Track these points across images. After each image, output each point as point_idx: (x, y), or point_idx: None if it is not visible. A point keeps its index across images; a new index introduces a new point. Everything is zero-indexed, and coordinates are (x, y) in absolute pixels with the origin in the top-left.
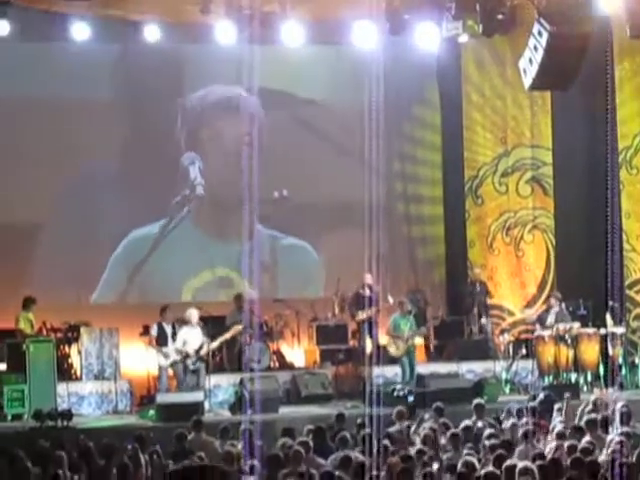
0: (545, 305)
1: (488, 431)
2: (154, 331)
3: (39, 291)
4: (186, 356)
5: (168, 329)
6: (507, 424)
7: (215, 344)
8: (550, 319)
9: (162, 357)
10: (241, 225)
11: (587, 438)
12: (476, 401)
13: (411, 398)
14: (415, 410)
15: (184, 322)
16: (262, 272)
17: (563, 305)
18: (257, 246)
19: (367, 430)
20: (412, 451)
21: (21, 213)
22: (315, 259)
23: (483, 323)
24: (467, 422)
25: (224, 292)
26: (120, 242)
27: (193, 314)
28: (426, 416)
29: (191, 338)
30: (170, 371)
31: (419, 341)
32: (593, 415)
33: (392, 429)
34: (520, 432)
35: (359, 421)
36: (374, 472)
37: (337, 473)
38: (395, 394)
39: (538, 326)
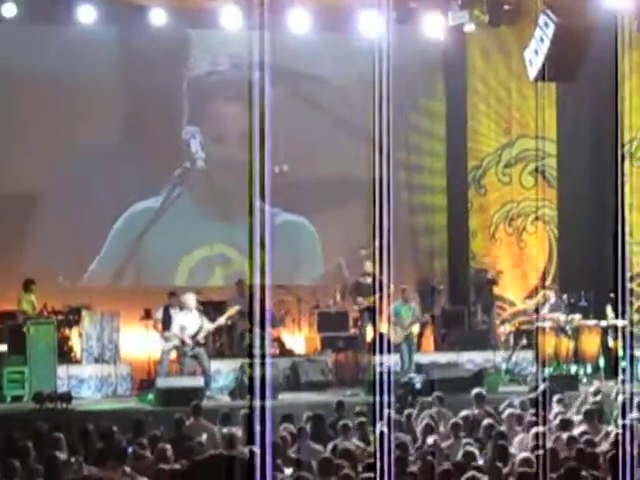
0: (542, 297)
1: (487, 421)
2: (159, 314)
3: (38, 266)
4: (183, 342)
5: (174, 313)
6: (506, 414)
7: (211, 327)
8: (545, 310)
9: (164, 340)
10: (240, 202)
11: (586, 429)
12: (476, 390)
13: (418, 385)
14: (412, 398)
15: (181, 307)
16: (260, 249)
17: (563, 297)
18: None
19: (364, 418)
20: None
21: (21, 185)
22: (313, 235)
23: (489, 312)
24: (466, 411)
25: (221, 269)
26: (121, 215)
27: (190, 298)
28: (426, 404)
29: (188, 323)
30: (173, 355)
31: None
32: (592, 406)
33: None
34: (519, 422)
35: (358, 409)
36: (371, 460)
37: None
38: (402, 380)
39: (535, 317)
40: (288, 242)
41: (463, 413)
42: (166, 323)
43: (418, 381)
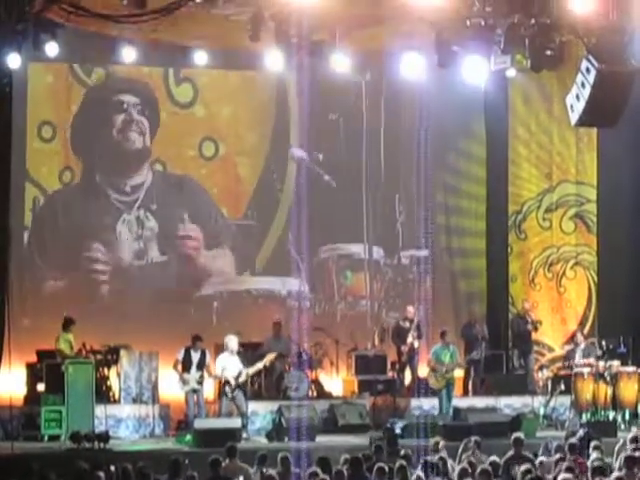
0: (572, 343)
1: (524, 466)
2: (180, 355)
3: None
4: (226, 382)
5: (195, 356)
6: (543, 460)
7: (251, 371)
8: (577, 356)
9: (182, 383)
10: None
11: (622, 475)
12: (515, 435)
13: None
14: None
15: (222, 349)
16: None
17: (594, 342)
18: None
19: (403, 461)
20: None
21: None
22: None
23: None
24: (496, 457)
25: None
26: None
27: (232, 340)
28: (464, 447)
29: (229, 365)
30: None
31: (459, 374)
32: (630, 453)
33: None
34: (557, 469)
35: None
36: None
37: None
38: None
39: (566, 363)
40: None
41: (492, 459)
42: (186, 365)
43: (455, 425)
